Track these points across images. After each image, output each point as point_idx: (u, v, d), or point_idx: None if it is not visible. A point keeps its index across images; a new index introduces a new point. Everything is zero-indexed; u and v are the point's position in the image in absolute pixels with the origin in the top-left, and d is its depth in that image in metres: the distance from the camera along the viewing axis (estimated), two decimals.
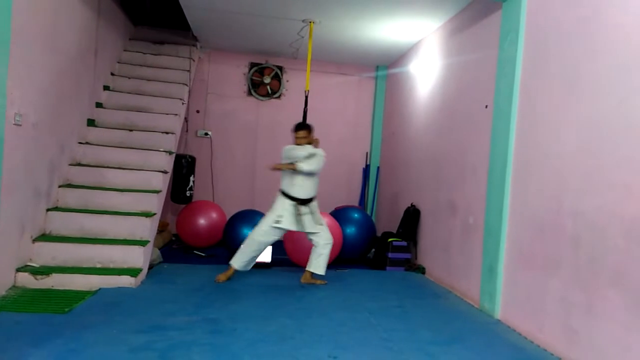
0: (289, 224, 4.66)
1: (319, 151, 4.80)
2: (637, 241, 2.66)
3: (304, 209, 4.69)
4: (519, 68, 4.00)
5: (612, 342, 2.79)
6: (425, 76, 6.25)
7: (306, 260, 4.89)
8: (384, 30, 6.20)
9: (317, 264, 4.81)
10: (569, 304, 3.18)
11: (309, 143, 4.82)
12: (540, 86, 3.72)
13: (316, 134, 7.53)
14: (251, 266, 4.84)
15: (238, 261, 4.72)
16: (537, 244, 3.59)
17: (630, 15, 2.87)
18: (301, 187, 4.70)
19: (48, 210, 4.56)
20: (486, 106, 4.52)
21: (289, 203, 4.69)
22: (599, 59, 3.11)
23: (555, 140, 3.47)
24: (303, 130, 4.80)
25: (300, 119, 6.33)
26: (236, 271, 4.78)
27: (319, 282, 4.83)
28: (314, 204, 4.81)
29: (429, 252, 5.72)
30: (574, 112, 3.30)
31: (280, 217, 4.66)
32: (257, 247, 4.74)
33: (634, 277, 2.67)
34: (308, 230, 4.70)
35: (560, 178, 3.38)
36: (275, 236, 4.78)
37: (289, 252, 5.58)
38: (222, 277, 4.70)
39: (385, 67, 8.12)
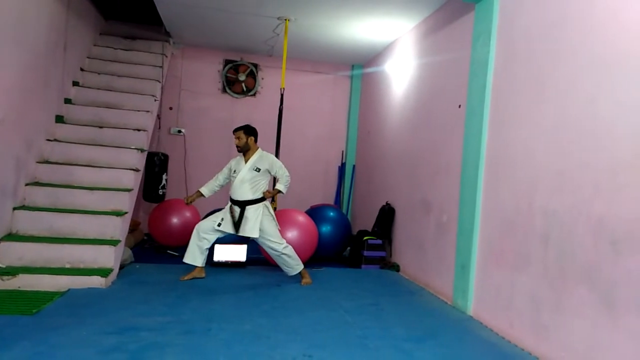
0: (227, 227, 4.65)
1: (273, 160, 4.80)
2: (605, 239, 2.74)
3: (237, 210, 4.64)
4: (491, 69, 4.07)
5: (581, 338, 2.87)
6: (400, 75, 6.30)
7: None
8: (359, 29, 6.22)
9: (287, 267, 4.83)
10: (538, 300, 3.26)
11: (247, 146, 4.74)
12: (511, 87, 3.79)
13: (292, 132, 7.63)
14: (204, 258, 4.70)
15: (187, 256, 4.66)
16: (508, 242, 3.66)
17: (596, 18, 2.95)
18: (235, 190, 4.69)
19: (15, 209, 4.42)
20: (459, 106, 4.59)
21: (229, 205, 4.72)
22: (566, 61, 3.18)
23: (526, 140, 3.54)
24: (239, 131, 4.76)
25: (276, 117, 6.31)
26: (204, 270, 4.77)
27: (305, 279, 4.85)
28: (255, 208, 4.66)
29: (403, 250, 5.77)
30: (543, 113, 3.38)
31: (221, 220, 4.67)
32: (199, 241, 4.66)
33: (601, 274, 2.75)
34: (247, 235, 4.62)
35: (530, 177, 3.46)
36: (219, 235, 4.74)
37: (264, 251, 5.53)
38: (186, 276, 4.66)
39: (360, 66, 8.15)
